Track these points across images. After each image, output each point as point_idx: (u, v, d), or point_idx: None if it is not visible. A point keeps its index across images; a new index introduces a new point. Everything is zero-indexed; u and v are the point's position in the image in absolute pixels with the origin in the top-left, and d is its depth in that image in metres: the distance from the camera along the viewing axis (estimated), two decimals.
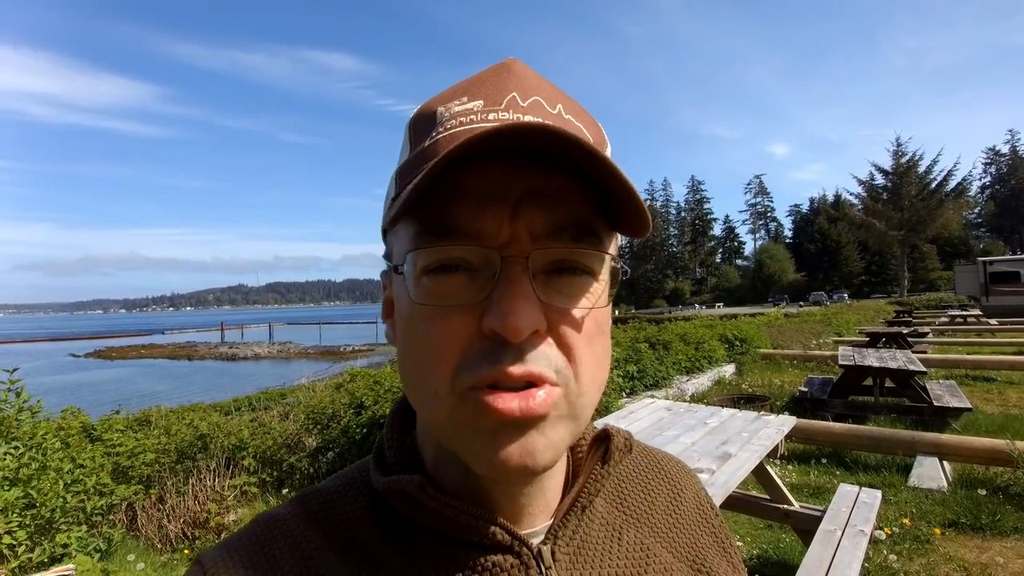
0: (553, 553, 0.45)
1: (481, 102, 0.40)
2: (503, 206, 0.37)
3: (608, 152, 0.46)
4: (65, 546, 3.36)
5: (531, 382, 0.37)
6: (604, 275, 0.41)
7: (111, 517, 4.08)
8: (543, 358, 0.37)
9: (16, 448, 3.51)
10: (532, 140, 0.34)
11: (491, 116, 0.39)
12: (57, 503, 3.45)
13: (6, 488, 3.27)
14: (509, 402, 0.36)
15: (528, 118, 0.39)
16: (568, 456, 0.52)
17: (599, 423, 0.56)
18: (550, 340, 0.38)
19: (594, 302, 0.40)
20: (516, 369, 0.36)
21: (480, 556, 0.43)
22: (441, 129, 0.40)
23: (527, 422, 0.37)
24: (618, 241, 0.45)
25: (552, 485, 0.48)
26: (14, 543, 3.09)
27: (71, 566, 2.97)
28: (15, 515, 3.20)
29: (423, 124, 0.43)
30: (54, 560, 3.28)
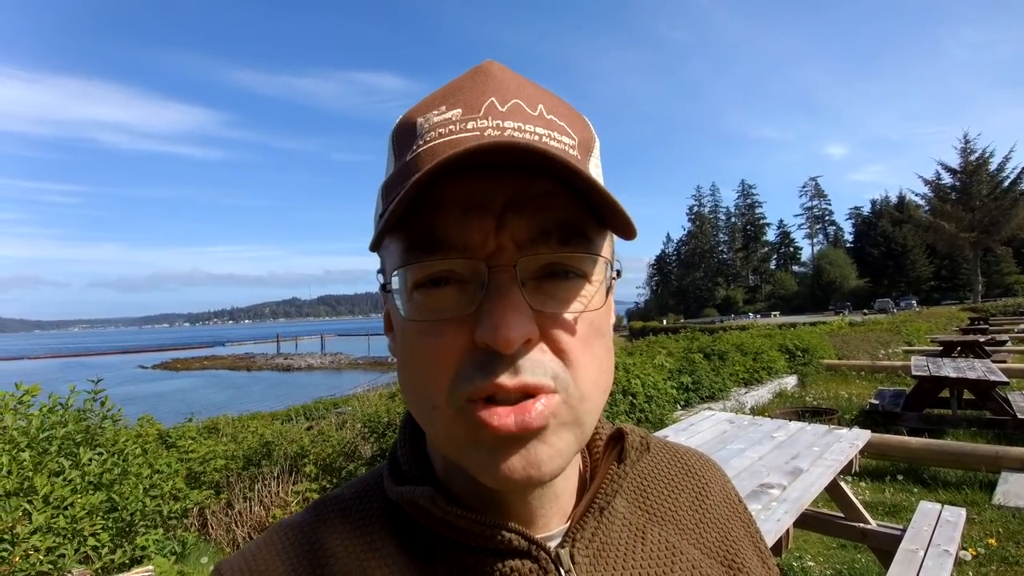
0: (572, 556, 0.44)
1: (459, 111, 0.39)
2: (487, 217, 0.37)
3: (596, 147, 0.44)
4: (144, 548, 3.52)
5: (527, 393, 0.36)
6: (597, 276, 0.40)
7: (185, 521, 4.26)
8: (538, 367, 0.37)
9: (100, 454, 3.71)
10: (507, 156, 0.34)
11: (470, 125, 0.38)
12: (137, 507, 3.63)
13: (91, 492, 3.47)
14: (504, 418, 0.35)
15: (508, 123, 0.38)
16: (584, 457, 0.52)
17: (656, 435, 0.54)
18: (544, 347, 0.38)
19: (587, 304, 0.39)
20: (510, 381, 0.35)
21: (497, 562, 0.43)
22: (421, 142, 0.39)
23: (526, 435, 0.36)
24: (612, 241, 0.43)
25: (567, 488, 0.47)
26: (98, 545, 3.26)
27: (151, 567, 3.11)
28: (99, 518, 3.38)
29: (404, 136, 0.42)
30: (134, 561, 3.44)
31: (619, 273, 0.43)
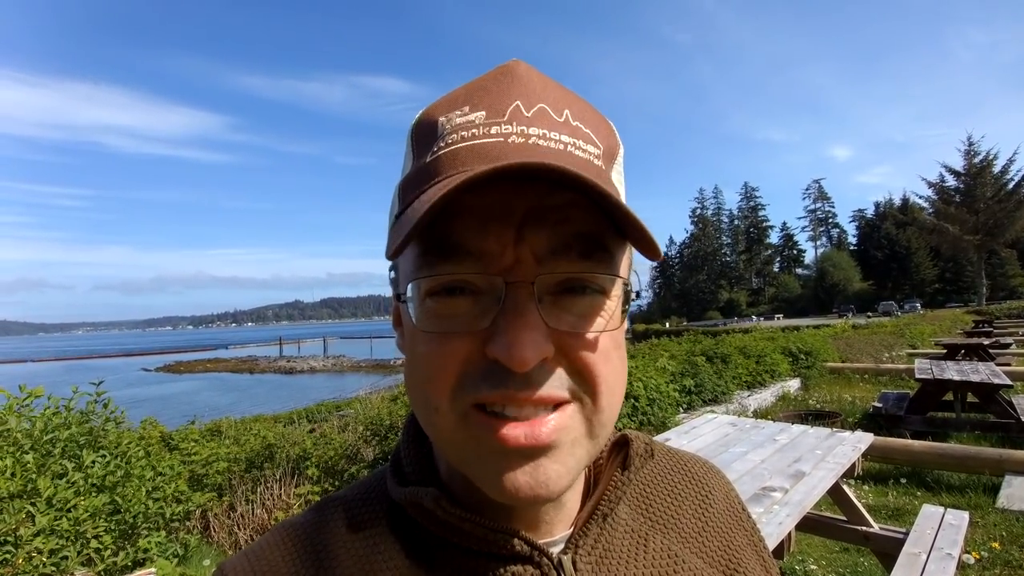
0: (574, 563, 0.44)
1: (483, 113, 0.38)
2: (507, 227, 0.36)
3: (620, 154, 0.44)
4: (146, 550, 3.52)
5: (542, 405, 0.36)
6: (616, 292, 0.39)
7: (187, 523, 4.26)
8: (554, 379, 0.36)
9: (103, 456, 3.71)
10: (531, 175, 0.33)
11: (493, 130, 0.37)
12: (140, 509, 3.62)
13: (94, 494, 3.47)
14: (514, 430, 0.35)
15: (533, 130, 0.37)
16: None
17: (658, 438, 0.54)
18: (561, 361, 0.37)
19: (607, 320, 0.39)
20: (524, 394, 0.35)
21: (499, 567, 0.42)
22: (442, 143, 0.39)
23: (535, 450, 0.36)
24: (631, 254, 0.43)
25: (571, 495, 0.47)
26: (101, 547, 3.26)
27: (153, 570, 3.11)
28: (102, 520, 3.38)
29: (424, 134, 0.41)
30: (136, 564, 3.44)
31: (638, 294, 0.42)
